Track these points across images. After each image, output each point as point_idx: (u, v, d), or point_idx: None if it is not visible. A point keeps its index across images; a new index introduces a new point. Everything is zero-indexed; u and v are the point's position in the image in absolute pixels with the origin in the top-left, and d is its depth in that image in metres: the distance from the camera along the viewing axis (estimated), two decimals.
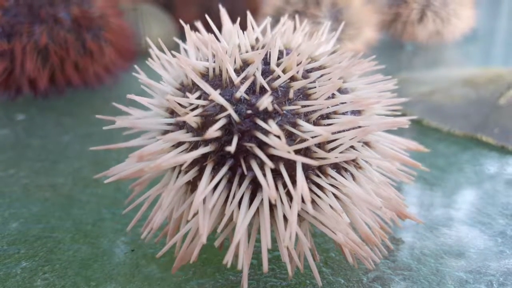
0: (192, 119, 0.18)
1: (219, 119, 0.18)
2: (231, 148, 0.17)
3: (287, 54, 0.20)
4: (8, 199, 0.27)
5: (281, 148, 0.16)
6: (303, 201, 0.18)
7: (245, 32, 0.21)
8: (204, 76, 0.20)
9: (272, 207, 0.18)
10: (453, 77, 0.47)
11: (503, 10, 1.10)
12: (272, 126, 0.17)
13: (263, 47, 0.21)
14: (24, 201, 0.26)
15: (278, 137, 0.17)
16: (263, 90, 0.18)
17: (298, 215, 0.18)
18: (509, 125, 0.35)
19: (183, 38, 0.22)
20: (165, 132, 0.19)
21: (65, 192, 0.27)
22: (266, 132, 0.17)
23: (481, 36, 0.93)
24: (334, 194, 0.18)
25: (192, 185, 0.19)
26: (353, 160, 0.19)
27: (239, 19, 0.21)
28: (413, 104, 0.41)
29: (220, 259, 0.21)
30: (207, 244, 0.21)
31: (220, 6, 0.23)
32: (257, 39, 0.22)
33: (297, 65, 0.19)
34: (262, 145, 0.17)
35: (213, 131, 0.17)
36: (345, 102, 0.19)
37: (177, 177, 0.19)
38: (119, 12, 0.59)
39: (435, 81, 0.47)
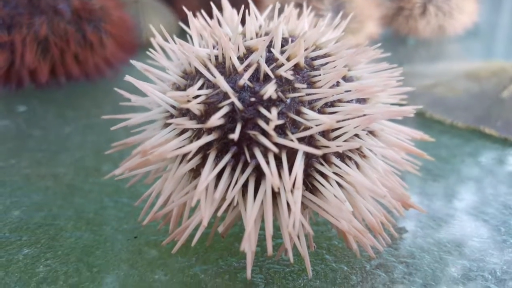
0: (195, 106, 0.18)
1: (222, 106, 0.18)
2: (235, 136, 0.17)
3: (292, 41, 0.20)
4: (10, 188, 0.27)
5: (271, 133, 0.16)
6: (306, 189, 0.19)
7: (248, 19, 0.21)
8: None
9: (275, 194, 0.18)
10: (455, 70, 0.47)
11: (505, 5, 1.10)
12: (273, 113, 0.16)
13: (266, 34, 0.21)
14: (26, 190, 0.26)
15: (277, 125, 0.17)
16: (267, 78, 0.18)
17: (302, 203, 0.18)
18: None
19: (183, 31, 0.22)
20: (170, 116, 0.19)
21: (67, 182, 0.27)
22: (268, 120, 0.17)
23: (483, 30, 0.93)
24: (338, 183, 0.18)
25: (195, 173, 0.19)
26: (358, 149, 0.19)
27: (243, 6, 0.21)
28: (416, 96, 0.41)
29: (223, 246, 0.21)
30: (210, 232, 0.21)
31: None
32: (260, 27, 0.22)
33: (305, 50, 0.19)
34: (266, 133, 0.17)
35: (215, 119, 0.17)
36: (350, 90, 0.19)
37: (180, 163, 0.19)
38: (120, 4, 0.59)
39: (437, 74, 0.47)
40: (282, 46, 0.19)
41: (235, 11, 0.22)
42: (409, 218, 0.23)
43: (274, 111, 0.17)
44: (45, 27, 0.46)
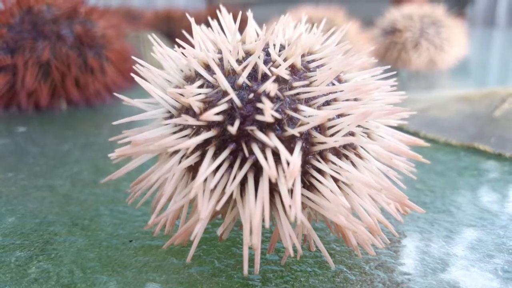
0: (195, 103, 0.18)
1: (221, 104, 0.18)
2: (233, 129, 0.17)
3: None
4: (5, 198, 0.26)
5: (267, 110, 0.16)
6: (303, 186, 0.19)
7: (247, 27, 0.22)
8: (207, 66, 0.20)
9: (273, 192, 0.18)
10: (447, 95, 0.48)
11: (494, 40, 1.14)
12: (266, 103, 0.17)
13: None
14: (22, 199, 0.26)
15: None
16: (264, 78, 0.19)
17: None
18: (506, 135, 0.35)
19: None
20: (169, 117, 0.20)
21: (63, 192, 0.27)
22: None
23: (473, 64, 0.96)
24: (334, 180, 0.18)
25: (193, 172, 0.19)
26: (354, 149, 0.20)
27: (239, 18, 0.22)
28: (409, 118, 0.41)
29: (219, 250, 0.20)
30: (207, 237, 0.21)
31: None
32: (258, 36, 0.23)
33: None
34: (264, 129, 0.18)
35: (211, 114, 0.17)
36: (345, 90, 0.19)
37: (180, 162, 0.19)
38: (121, 34, 0.60)
39: (430, 99, 0.48)
40: (279, 51, 0.20)
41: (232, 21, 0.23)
42: (407, 224, 0.23)
43: (267, 101, 0.17)
44: (48, 51, 0.47)
